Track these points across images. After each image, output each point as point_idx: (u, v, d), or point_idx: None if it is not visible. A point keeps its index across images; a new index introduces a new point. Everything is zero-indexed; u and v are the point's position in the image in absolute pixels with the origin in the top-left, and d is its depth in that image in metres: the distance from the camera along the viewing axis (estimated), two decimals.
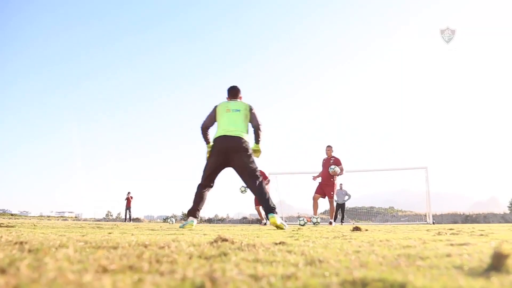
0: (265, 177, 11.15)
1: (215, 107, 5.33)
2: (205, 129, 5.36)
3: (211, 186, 5.19)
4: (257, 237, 2.73)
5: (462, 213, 22.98)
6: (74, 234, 2.86)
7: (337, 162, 9.06)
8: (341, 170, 9.02)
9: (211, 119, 5.34)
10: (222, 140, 5.01)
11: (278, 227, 4.72)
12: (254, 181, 4.92)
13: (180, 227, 4.96)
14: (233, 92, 5.42)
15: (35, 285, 0.79)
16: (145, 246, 1.66)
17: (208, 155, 5.23)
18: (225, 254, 1.42)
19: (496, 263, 1.07)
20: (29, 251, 1.41)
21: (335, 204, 14.59)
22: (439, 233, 3.18)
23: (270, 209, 4.82)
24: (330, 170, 8.83)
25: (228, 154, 4.98)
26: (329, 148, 9.28)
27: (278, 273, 1.02)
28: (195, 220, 4.97)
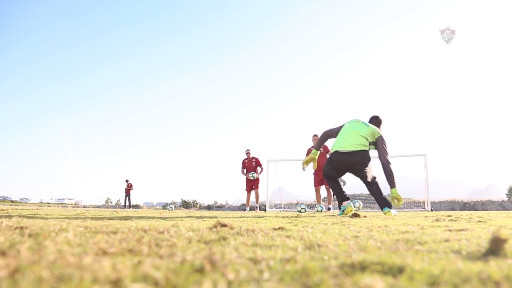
0: (259, 164, 11.20)
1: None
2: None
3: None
4: (256, 223, 2.75)
5: (460, 200, 23.11)
6: (74, 219, 2.87)
7: (327, 150, 9.12)
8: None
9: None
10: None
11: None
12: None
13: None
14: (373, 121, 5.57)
15: (35, 266, 0.80)
16: (145, 231, 1.67)
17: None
18: (224, 239, 1.43)
19: (494, 248, 1.08)
20: (30, 235, 1.41)
21: (331, 191, 14.66)
22: (437, 220, 3.20)
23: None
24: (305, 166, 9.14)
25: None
26: (316, 137, 9.26)
27: (277, 256, 1.02)
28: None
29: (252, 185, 11.20)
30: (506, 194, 29.18)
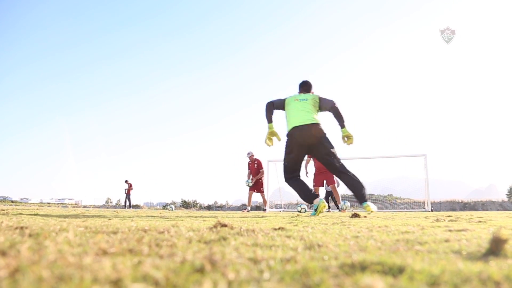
0: (260, 166, 11.18)
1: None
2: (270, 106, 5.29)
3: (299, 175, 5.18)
4: (256, 223, 2.75)
5: (460, 201, 23.10)
6: (74, 219, 2.87)
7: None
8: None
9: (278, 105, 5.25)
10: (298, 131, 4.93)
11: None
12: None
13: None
14: (304, 87, 5.37)
15: (35, 266, 0.80)
16: (145, 231, 1.67)
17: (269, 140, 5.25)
18: (224, 239, 1.43)
19: (495, 248, 1.08)
20: (30, 235, 1.41)
21: (325, 192, 14.63)
22: (437, 220, 3.20)
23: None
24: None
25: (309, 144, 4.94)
26: None
27: (277, 256, 1.02)
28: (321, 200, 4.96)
29: (254, 187, 11.18)
30: (506, 195, 29.17)
